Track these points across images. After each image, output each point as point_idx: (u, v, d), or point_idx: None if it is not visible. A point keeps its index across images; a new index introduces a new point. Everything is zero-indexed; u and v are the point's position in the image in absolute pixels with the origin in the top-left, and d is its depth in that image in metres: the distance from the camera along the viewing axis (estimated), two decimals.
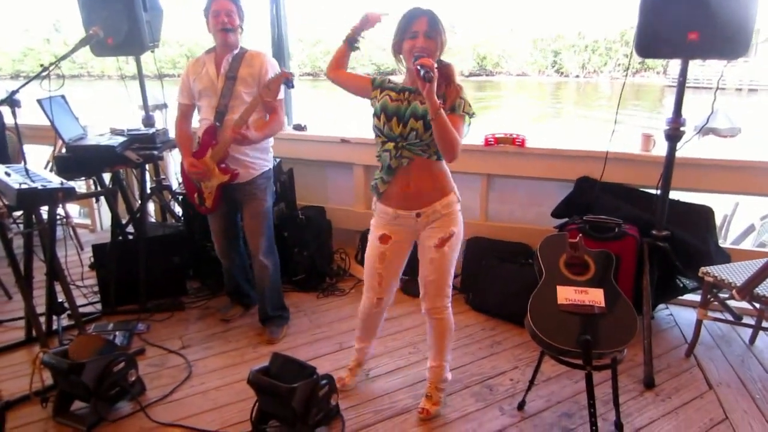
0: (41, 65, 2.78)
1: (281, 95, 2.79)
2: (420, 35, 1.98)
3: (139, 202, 3.60)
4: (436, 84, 1.85)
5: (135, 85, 3.87)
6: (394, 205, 2.15)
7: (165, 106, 4.19)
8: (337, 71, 2.29)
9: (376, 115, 2.11)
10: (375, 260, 2.27)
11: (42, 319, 2.84)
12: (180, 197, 3.77)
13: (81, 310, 3.03)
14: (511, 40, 42.67)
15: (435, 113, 1.87)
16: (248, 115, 2.60)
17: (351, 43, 2.28)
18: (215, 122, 2.73)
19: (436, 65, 2.00)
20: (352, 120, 2.40)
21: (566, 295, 2.12)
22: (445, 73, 2.05)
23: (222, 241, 3.03)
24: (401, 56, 2.08)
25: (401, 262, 2.32)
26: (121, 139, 3.16)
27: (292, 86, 2.62)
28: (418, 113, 2.02)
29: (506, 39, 42.80)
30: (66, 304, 2.82)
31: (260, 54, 2.76)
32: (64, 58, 2.85)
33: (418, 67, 1.83)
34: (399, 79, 2.18)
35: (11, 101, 2.83)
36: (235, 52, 2.76)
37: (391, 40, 2.10)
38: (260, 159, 2.85)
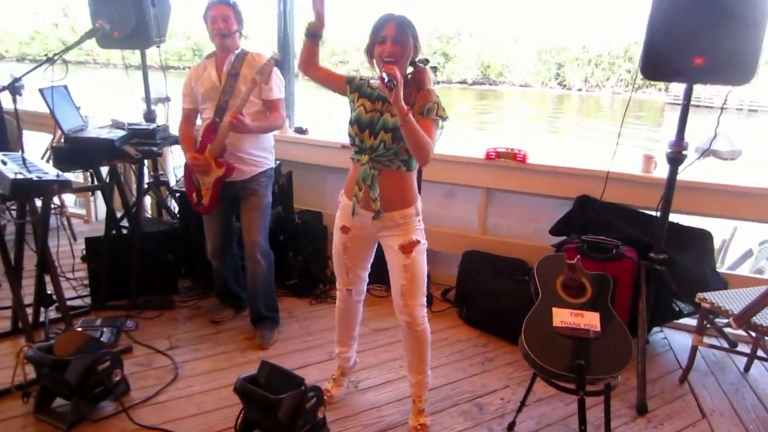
0: (45, 55, 2.76)
1: (281, 94, 2.81)
2: (388, 40, 1.99)
3: (136, 196, 3.56)
4: (402, 90, 1.87)
5: (139, 75, 3.85)
6: (359, 204, 2.15)
7: (168, 99, 4.16)
8: (308, 66, 2.23)
9: (350, 124, 2.14)
10: (339, 250, 2.32)
11: (29, 310, 2.81)
12: (177, 194, 3.73)
13: (70, 303, 3.00)
14: (515, 51, 42.77)
15: (402, 119, 1.88)
16: (244, 103, 2.63)
17: (311, 36, 2.21)
18: (215, 118, 2.74)
19: (410, 69, 2.05)
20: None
21: (562, 317, 2.09)
22: (417, 78, 2.08)
23: (215, 243, 3.01)
24: (374, 62, 2.08)
25: (365, 255, 2.34)
26: (121, 133, 3.12)
27: (282, 66, 2.66)
28: (389, 126, 2.03)
29: (511, 49, 42.90)
30: (55, 297, 2.79)
31: (262, 56, 2.78)
32: (69, 49, 2.83)
33: (383, 76, 1.85)
34: (376, 82, 2.15)
35: (13, 88, 2.81)
36: (237, 52, 2.79)
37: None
38: (262, 157, 2.85)
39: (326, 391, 2.44)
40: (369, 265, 2.39)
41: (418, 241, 2.15)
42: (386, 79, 1.83)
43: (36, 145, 4.68)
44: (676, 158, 2.70)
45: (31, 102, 4.40)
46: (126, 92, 4.05)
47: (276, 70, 2.78)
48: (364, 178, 2.09)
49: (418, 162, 2.07)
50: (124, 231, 3.59)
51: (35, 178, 2.36)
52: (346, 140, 2.22)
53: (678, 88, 2.70)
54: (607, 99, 37.92)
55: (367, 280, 2.43)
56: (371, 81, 2.17)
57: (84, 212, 4.89)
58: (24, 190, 2.36)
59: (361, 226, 2.22)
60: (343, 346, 2.52)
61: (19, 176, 2.35)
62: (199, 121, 2.94)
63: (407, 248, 2.13)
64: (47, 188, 2.39)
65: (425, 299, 2.22)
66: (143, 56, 3.78)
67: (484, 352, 2.96)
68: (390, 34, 1.99)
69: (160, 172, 4.02)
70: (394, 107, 1.88)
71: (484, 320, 3.17)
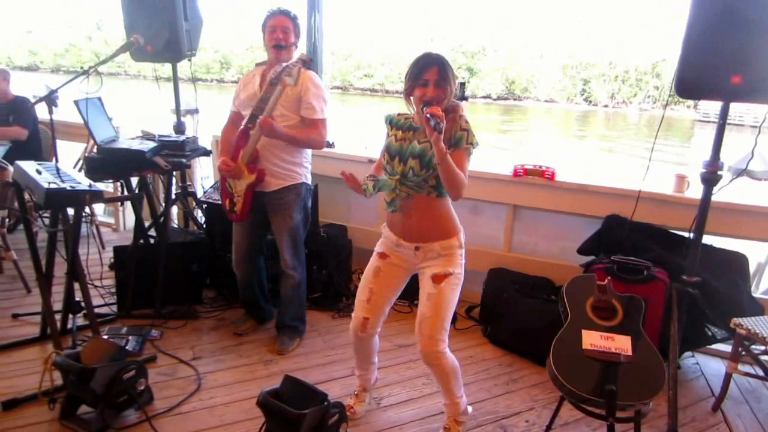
0: (81, 67, 2.83)
1: (323, 115, 2.79)
2: (430, 84, 2.01)
3: (164, 206, 3.61)
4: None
5: (169, 87, 3.91)
6: (396, 233, 2.18)
7: (196, 111, 4.22)
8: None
9: (383, 152, 2.18)
10: (369, 275, 2.27)
11: (58, 317, 2.85)
12: (204, 205, 3.77)
13: (97, 310, 3.02)
14: (540, 66, 42.59)
15: (441, 158, 1.91)
16: (274, 103, 2.62)
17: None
18: (248, 124, 2.76)
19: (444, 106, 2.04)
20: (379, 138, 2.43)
21: (591, 340, 2.04)
22: (450, 111, 2.08)
23: (240, 252, 3.02)
24: (411, 99, 2.09)
25: (395, 286, 2.28)
26: (151, 144, 3.17)
27: (309, 67, 2.68)
28: (416, 152, 2.06)
29: (536, 64, 42.74)
30: (83, 304, 2.83)
31: (307, 71, 2.76)
32: (104, 62, 2.90)
33: (428, 117, 1.87)
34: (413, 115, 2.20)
35: (49, 99, 2.88)
36: (284, 64, 2.75)
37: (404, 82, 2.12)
38: (293, 171, 2.84)
39: (349, 407, 2.42)
40: (393, 300, 2.33)
41: (451, 273, 2.13)
42: (433, 123, 1.84)
43: (68, 154, 4.79)
44: (711, 178, 2.63)
45: (63, 112, 4.50)
46: (154, 104, 4.12)
47: (323, 89, 2.79)
48: (385, 188, 2.13)
49: (450, 196, 2.08)
50: (151, 241, 3.63)
51: (68, 188, 2.41)
52: (374, 155, 2.22)
53: (707, 106, 2.64)
54: (635, 115, 37.44)
55: (386, 317, 2.35)
56: (407, 116, 2.20)
57: (112, 221, 4.98)
58: (57, 200, 2.41)
59: (399, 256, 2.22)
60: (363, 370, 2.50)
61: (53, 186, 2.40)
62: None
63: (438, 278, 2.12)
64: (79, 198, 2.43)
65: (444, 334, 2.14)
66: (174, 69, 3.85)
67: (509, 372, 2.90)
68: (432, 79, 2.00)
69: (188, 183, 4.07)
70: (434, 148, 1.89)
71: (509, 339, 3.12)
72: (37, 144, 4.38)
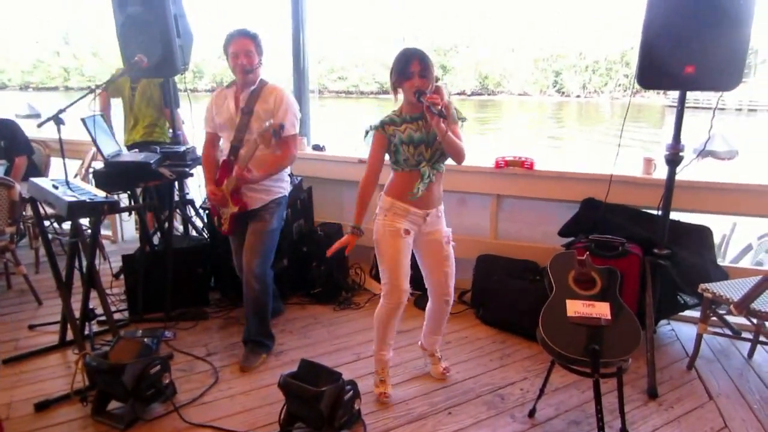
0: (88, 86, 2.98)
1: (294, 130, 2.88)
2: (416, 76, 2.31)
3: (167, 214, 3.77)
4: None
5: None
6: (412, 204, 2.47)
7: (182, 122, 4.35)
8: (370, 190, 2.53)
9: (404, 143, 2.41)
10: (402, 253, 2.47)
11: None
12: (205, 211, 3.94)
13: None
14: (512, 60, 43.16)
15: (444, 135, 2.29)
16: (249, 156, 2.71)
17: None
18: (230, 156, 2.87)
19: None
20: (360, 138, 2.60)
21: (575, 308, 2.29)
22: (439, 94, 2.41)
23: (238, 257, 3.13)
24: (400, 90, 2.40)
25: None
26: (155, 156, 3.34)
27: (278, 138, 2.70)
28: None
29: (508, 58, 43.30)
30: (97, 311, 3.00)
31: (277, 89, 2.83)
32: (111, 81, 3.08)
33: (429, 107, 2.19)
34: (397, 107, 2.49)
35: (57, 119, 3.03)
36: (253, 87, 2.83)
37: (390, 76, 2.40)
38: (275, 186, 2.96)
39: (382, 395, 2.65)
40: None
41: (450, 234, 2.60)
42: (436, 111, 2.16)
43: (57, 171, 4.90)
44: (673, 160, 2.90)
45: (50, 130, 4.61)
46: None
47: (295, 106, 2.89)
48: (428, 176, 2.42)
49: (456, 162, 2.45)
50: (156, 248, 3.79)
51: (88, 200, 2.59)
52: (363, 156, 2.47)
53: (675, 92, 2.90)
54: (607, 104, 38.18)
55: None
56: (394, 112, 2.47)
57: (110, 233, 5.11)
58: (79, 211, 2.58)
59: (412, 226, 2.51)
60: (386, 349, 2.66)
61: (73, 199, 2.57)
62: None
63: (448, 239, 2.59)
64: (99, 209, 2.61)
65: None
66: (168, 84, 4.01)
67: (502, 348, 3.15)
68: (417, 70, 2.30)
69: (186, 192, 4.23)
70: (436, 129, 2.26)
71: (500, 319, 3.36)
72: (32, 162, 4.51)
